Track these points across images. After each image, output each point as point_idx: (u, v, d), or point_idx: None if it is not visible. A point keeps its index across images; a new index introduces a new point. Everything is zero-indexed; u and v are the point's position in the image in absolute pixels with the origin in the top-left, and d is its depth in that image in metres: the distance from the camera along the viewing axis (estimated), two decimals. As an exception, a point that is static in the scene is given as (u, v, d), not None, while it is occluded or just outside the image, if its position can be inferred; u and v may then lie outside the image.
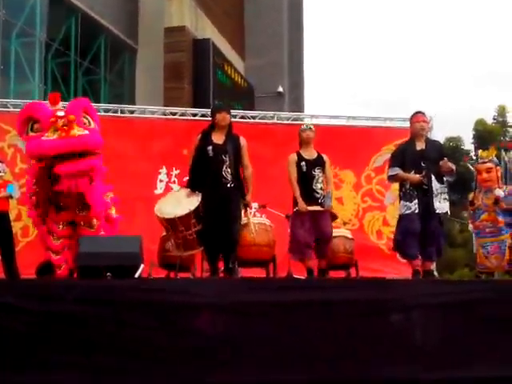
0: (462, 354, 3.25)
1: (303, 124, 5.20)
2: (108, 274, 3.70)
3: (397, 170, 4.35)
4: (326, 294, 3.43)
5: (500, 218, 4.72)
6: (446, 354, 3.24)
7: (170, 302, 3.29)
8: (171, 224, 4.18)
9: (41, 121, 4.14)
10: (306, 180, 4.47)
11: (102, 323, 3.18)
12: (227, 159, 4.07)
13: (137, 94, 9.96)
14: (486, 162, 4.92)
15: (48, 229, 4.33)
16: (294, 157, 4.59)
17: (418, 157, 4.31)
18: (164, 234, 4.89)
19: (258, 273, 4.91)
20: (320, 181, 4.51)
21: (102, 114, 6.60)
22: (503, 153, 5.11)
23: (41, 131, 4.13)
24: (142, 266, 3.85)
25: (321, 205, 4.43)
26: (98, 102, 8.36)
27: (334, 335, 3.27)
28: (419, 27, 44.63)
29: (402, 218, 4.35)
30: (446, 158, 4.32)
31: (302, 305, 3.31)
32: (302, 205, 4.39)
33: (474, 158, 15.83)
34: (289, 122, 7.02)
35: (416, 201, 4.23)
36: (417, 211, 4.21)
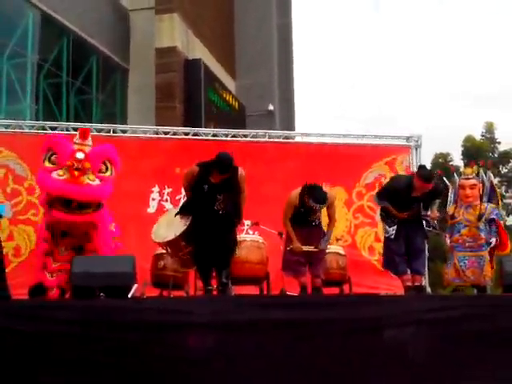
0: (453, 370, 3.26)
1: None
2: (101, 294, 3.69)
3: (386, 204, 4.57)
4: (320, 311, 3.43)
5: (482, 235, 4.83)
6: (438, 369, 3.25)
7: (164, 321, 3.28)
8: (165, 246, 4.30)
9: (58, 156, 4.19)
10: (302, 217, 4.54)
11: (95, 344, 3.15)
12: (221, 197, 4.17)
13: (129, 113, 10.02)
14: (469, 179, 5.05)
15: (49, 250, 4.33)
16: (295, 201, 4.54)
17: (410, 201, 4.55)
18: (157, 252, 4.89)
19: (251, 290, 4.91)
20: (318, 211, 4.53)
21: (95, 133, 6.64)
22: (481, 171, 5.25)
23: (56, 165, 4.18)
24: (136, 285, 3.84)
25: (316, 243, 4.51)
26: (90, 122, 8.40)
27: (329, 353, 3.27)
28: (406, 45, 45.54)
29: (386, 240, 4.62)
30: (437, 201, 4.66)
31: (295, 323, 3.32)
32: (296, 244, 4.45)
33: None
34: (280, 140, 7.11)
35: (395, 226, 4.49)
36: (392, 236, 4.51)
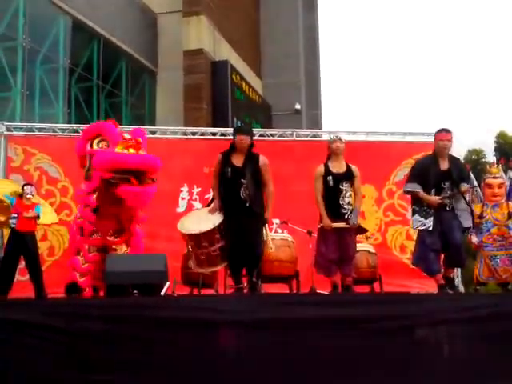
0: (487, 369, 3.17)
1: (333, 135, 5.04)
2: (135, 291, 3.75)
3: (418, 188, 4.33)
4: (350, 309, 3.40)
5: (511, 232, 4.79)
6: (472, 369, 3.18)
7: (196, 319, 3.30)
8: (195, 240, 4.23)
9: (109, 138, 4.45)
10: (332, 195, 4.41)
11: (130, 341, 3.20)
12: (245, 181, 4.13)
13: (157, 115, 10.17)
14: (497, 178, 4.99)
15: (78, 250, 4.45)
16: (320, 170, 4.51)
17: (440, 177, 4.31)
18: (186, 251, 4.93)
19: (280, 288, 4.90)
20: (348, 195, 4.42)
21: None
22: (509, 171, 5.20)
23: (107, 147, 4.42)
24: (168, 283, 3.90)
25: (346, 221, 4.35)
26: (120, 124, 8.49)
27: (360, 351, 3.23)
28: (438, 41, 44.64)
29: (420, 235, 4.34)
30: (465, 183, 4.40)
31: (325, 320, 3.30)
32: (326, 221, 4.35)
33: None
34: (307, 138, 7.07)
35: (431, 218, 4.23)
36: (431, 228, 4.21)
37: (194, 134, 6.91)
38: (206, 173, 6.56)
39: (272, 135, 7.05)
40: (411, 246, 6.36)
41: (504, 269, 4.80)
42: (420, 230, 4.33)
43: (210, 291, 4.94)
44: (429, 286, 5.13)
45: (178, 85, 10.39)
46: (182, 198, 6.43)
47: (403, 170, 6.64)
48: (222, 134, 6.95)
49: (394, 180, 6.65)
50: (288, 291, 4.82)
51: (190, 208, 6.29)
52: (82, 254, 4.48)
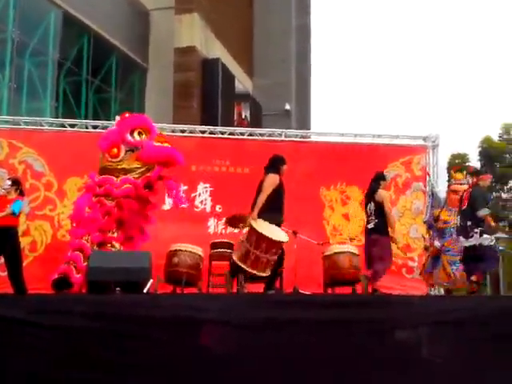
0: (471, 370, 3.23)
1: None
2: (117, 288, 3.73)
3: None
4: (332, 310, 3.43)
5: None
6: (455, 370, 3.22)
7: (178, 317, 3.30)
8: (266, 243, 4.35)
9: (150, 132, 4.64)
10: None
11: (112, 339, 3.19)
12: None
13: (147, 112, 10.08)
14: (462, 184, 5.08)
15: (80, 247, 4.43)
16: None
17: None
18: (171, 249, 4.93)
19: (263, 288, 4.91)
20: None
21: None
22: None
23: (149, 139, 4.63)
24: (151, 281, 3.89)
25: None
26: (109, 120, 8.49)
27: (345, 352, 3.26)
28: (419, 46, 44.98)
29: (491, 247, 4.69)
30: None
31: (308, 321, 3.32)
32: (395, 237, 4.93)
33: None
34: (296, 139, 7.11)
35: None
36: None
37: (182, 131, 6.90)
38: (193, 171, 6.58)
39: (261, 135, 7.07)
40: (394, 247, 6.46)
41: (462, 274, 4.88)
42: (488, 245, 4.61)
43: (194, 290, 4.95)
44: (409, 288, 5.20)
45: (169, 82, 10.34)
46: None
47: (390, 173, 6.71)
48: (211, 133, 6.95)
49: (379, 182, 6.71)
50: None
51: (175, 206, 6.28)
52: (84, 250, 4.45)
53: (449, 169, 13.03)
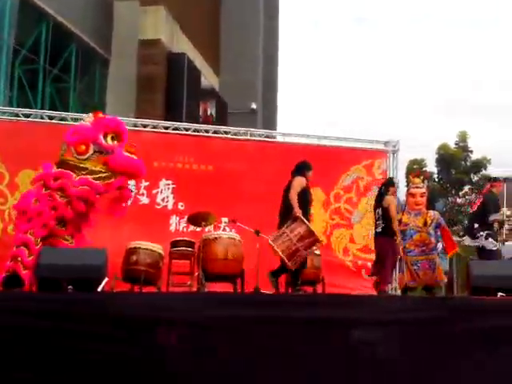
0: (423, 371, 3.27)
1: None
2: (69, 286, 3.57)
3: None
4: (292, 310, 3.40)
5: (432, 239, 5.18)
6: (407, 371, 3.26)
7: (136, 316, 3.18)
8: (308, 238, 4.62)
9: (123, 140, 4.49)
10: None
11: (63, 338, 3.04)
12: None
13: (108, 104, 9.80)
14: (419, 188, 5.32)
15: (24, 241, 4.19)
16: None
17: None
18: (129, 246, 4.76)
19: (225, 287, 4.86)
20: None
21: (70, 123, 6.48)
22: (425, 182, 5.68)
23: (120, 146, 4.46)
24: (106, 279, 3.74)
25: None
26: (67, 111, 8.18)
27: (303, 352, 3.24)
28: (386, 56, 46.24)
29: (491, 252, 5.14)
30: None
31: (269, 320, 3.27)
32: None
33: (437, 180, 16.38)
34: (261, 138, 7.07)
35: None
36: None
37: (145, 126, 6.71)
38: (155, 167, 6.41)
39: (226, 133, 6.99)
40: (354, 249, 6.57)
41: (424, 272, 5.13)
42: (490, 250, 5.05)
43: (153, 289, 4.82)
44: (369, 289, 5.27)
45: (132, 74, 10.07)
46: (129, 192, 6.22)
47: (352, 176, 6.80)
48: (176, 129, 6.80)
49: (341, 184, 6.79)
50: (232, 290, 4.78)
51: (135, 202, 6.10)
52: (28, 245, 4.23)
53: (407, 173, 13.41)
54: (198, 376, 3.07)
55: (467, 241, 5.16)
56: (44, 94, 9.08)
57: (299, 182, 4.83)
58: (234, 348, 3.16)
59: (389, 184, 5.42)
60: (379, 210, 5.14)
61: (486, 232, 4.99)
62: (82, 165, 4.37)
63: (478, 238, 5.01)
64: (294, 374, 3.17)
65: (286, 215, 4.75)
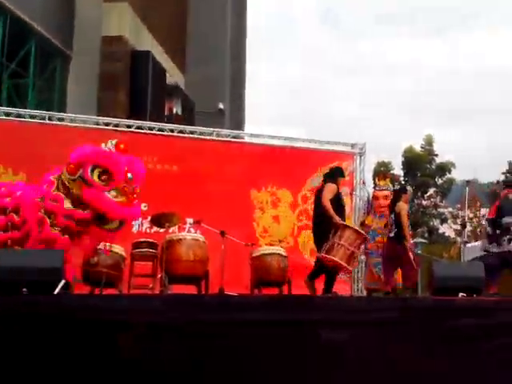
0: (393, 371, 3.28)
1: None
2: (24, 289, 3.41)
3: None
4: (256, 312, 3.35)
5: None
6: (378, 371, 3.26)
7: (96, 320, 3.06)
8: (358, 239, 4.84)
9: (114, 178, 4.11)
10: None
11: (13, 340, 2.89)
12: None
13: (68, 102, 9.46)
14: (383, 190, 5.39)
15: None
16: None
17: None
18: (100, 246, 4.59)
19: (189, 289, 4.76)
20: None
21: (28, 119, 6.22)
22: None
23: (106, 185, 4.09)
24: (63, 281, 3.58)
25: None
26: (25, 107, 7.86)
27: (269, 354, 3.19)
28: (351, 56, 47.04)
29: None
30: None
31: (233, 322, 3.21)
32: None
33: (403, 182, 16.77)
34: (228, 139, 7.01)
35: None
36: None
37: (107, 124, 6.52)
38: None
39: (192, 133, 6.88)
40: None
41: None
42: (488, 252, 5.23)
43: (114, 291, 4.66)
44: (335, 289, 5.27)
45: (94, 71, 9.77)
46: (90, 192, 6.01)
47: (319, 177, 6.82)
48: (139, 127, 6.64)
49: (309, 186, 6.80)
50: (196, 292, 4.68)
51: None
52: None
53: (374, 176, 13.65)
54: (159, 377, 2.99)
55: (494, 248, 5.19)
56: (0, 89, 8.70)
57: (331, 189, 5.01)
58: (196, 350, 3.09)
59: (401, 191, 5.62)
60: (392, 216, 5.31)
61: (507, 237, 5.10)
62: (68, 184, 4.20)
63: (502, 244, 5.11)
64: (262, 376, 3.12)
65: (322, 223, 4.94)
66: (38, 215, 4.14)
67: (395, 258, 5.13)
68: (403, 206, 5.26)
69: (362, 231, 5.09)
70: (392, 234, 5.20)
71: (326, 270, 4.92)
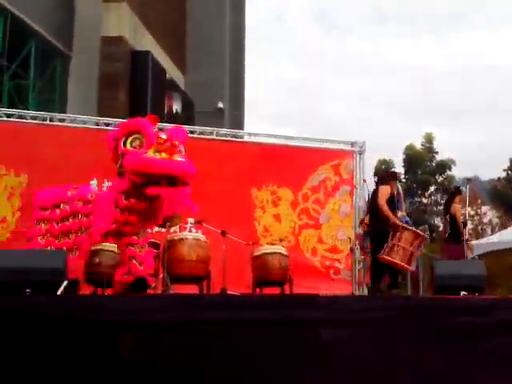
0: (392, 370, 3.29)
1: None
2: (28, 290, 3.44)
3: None
4: (260, 311, 3.36)
5: None
6: (378, 371, 3.27)
7: (97, 319, 3.08)
8: (416, 238, 5.04)
9: (145, 138, 4.11)
10: None
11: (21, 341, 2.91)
12: None
13: (68, 102, 9.48)
14: None
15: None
16: None
17: None
18: (92, 248, 4.61)
19: (191, 289, 4.78)
20: None
21: (29, 121, 6.24)
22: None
23: (140, 148, 4.09)
24: (66, 282, 3.61)
25: None
26: (26, 108, 7.88)
27: (268, 353, 3.20)
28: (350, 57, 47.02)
29: None
30: None
31: (236, 322, 3.23)
32: None
33: (404, 180, 16.77)
34: (228, 138, 7.02)
35: None
36: None
37: (107, 125, 6.53)
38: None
39: (192, 132, 6.89)
40: (322, 249, 6.60)
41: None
42: None
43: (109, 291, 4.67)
44: (337, 289, 5.30)
45: (94, 72, 9.79)
46: (91, 192, 6.04)
47: (319, 176, 6.84)
48: (139, 127, 6.65)
49: (309, 184, 6.82)
50: (198, 292, 4.70)
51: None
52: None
53: (375, 174, 13.66)
54: (159, 377, 3.00)
55: None
56: (1, 90, 8.71)
57: (385, 191, 5.26)
58: (198, 350, 3.10)
59: (456, 192, 5.88)
60: (447, 217, 5.58)
61: None
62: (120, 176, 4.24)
63: None
64: (262, 375, 3.14)
65: (378, 225, 5.17)
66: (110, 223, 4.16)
67: (454, 257, 5.33)
68: (458, 208, 5.53)
69: (422, 232, 5.39)
70: (447, 235, 5.55)
71: (388, 269, 5.12)
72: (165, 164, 4.09)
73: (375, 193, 5.44)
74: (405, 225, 5.13)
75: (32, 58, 9.08)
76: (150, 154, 4.09)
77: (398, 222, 5.07)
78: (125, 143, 4.16)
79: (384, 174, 5.94)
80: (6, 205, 5.83)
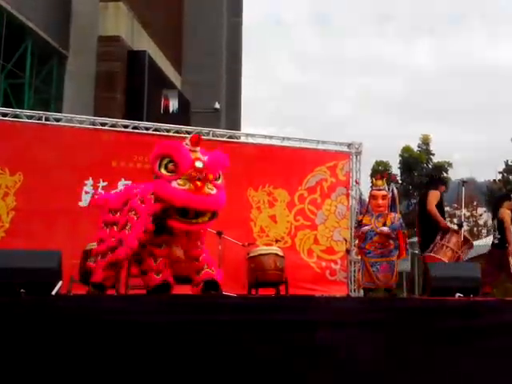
0: (391, 371, 3.29)
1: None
2: (22, 290, 3.42)
3: None
4: (255, 313, 3.35)
5: (391, 241, 5.31)
6: (376, 372, 3.27)
7: (96, 320, 3.06)
8: (464, 243, 5.26)
9: (179, 166, 3.94)
10: None
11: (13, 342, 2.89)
12: None
13: (65, 102, 9.46)
14: (381, 190, 5.45)
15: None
16: None
17: None
18: (87, 248, 4.59)
19: (187, 290, 4.76)
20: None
21: (25, 120, 6.21)
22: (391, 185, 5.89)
23: (173, 174, 3.93)
24: (61, 282, 3.60)
25: None
26: (22, 108, 7.85)
27: (267, 353, 3.19)
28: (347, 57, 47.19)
29: None
30: None
31: (231, 323, 3.21)
32: None
33: (400, 182, 16.82)
34: (224, 139, 7.01)
35: None
36: None
37: (103, 124, 6.52)
38: (114, 167, 6.23)
39: (188, 133, 6.88)
40: (318, 250, 6.60)
41: (384, 275, 5.20)
42: None
43: (111, 292, 4.66)
44: (333, 290, 5.30)
45: (91, 71, 9.77)
46: (86, 192, 6.03)
47: (316, 177, 6.84)
48: (135, 127, 6.64)
49: (306, 185, 6.82)
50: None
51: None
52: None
53: (372, 175, 13.68)
54: (159, 377, 2.99)
55: None
56: (-3, 90, 8.69)
57: (435, 196, 5.47)
58: (196, 350, 3.09)
59: (504, 197, 6.01)
60: (495, 222, 5.66)
61: None
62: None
63: None
64: (257, 378, 3.13)
65: (428, 227, 5.37)
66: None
67: (499, 263, 5.47)
68: (506, 212, 5.60)
69: (470, 238, 5.52)
70: (496, 241, 5.60)
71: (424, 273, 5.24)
72: (187, 197, 3.93)
73: (424, 197, 5.61)
74: (456, 228, 5.31)
75: (28, 57, 9.06)
76: (179, 182, 3.94)
77: (447, 225, 5.32)
78: (160, 165, 4.01)
79: (432, 178, 6.10)
80: (0, 204, 5.81)
